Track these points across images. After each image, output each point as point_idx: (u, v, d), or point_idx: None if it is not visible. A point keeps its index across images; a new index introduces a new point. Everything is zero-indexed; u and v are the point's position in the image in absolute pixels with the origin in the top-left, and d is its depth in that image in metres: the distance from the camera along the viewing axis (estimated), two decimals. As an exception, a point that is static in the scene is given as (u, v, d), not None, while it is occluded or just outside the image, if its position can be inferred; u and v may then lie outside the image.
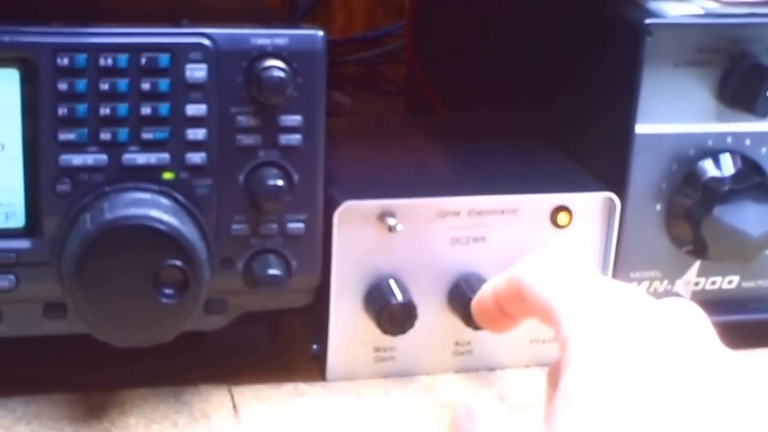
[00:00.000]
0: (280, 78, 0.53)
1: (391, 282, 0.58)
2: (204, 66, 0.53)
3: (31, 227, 0.53)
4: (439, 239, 0.59)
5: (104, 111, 0.52)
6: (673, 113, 0.61)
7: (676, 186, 0.62)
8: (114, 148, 0.53)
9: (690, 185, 0.62)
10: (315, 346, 0.60)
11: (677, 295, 0.64)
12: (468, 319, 0.58)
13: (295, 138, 0.54)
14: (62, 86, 0.51)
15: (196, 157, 0.53)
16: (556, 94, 0.70)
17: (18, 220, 0.53)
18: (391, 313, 0.57)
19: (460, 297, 0.59)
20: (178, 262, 0.51)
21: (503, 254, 0.59)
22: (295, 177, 0.55)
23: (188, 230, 0.52)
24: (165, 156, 0.53)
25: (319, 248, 0.57)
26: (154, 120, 0.53)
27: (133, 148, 0.53)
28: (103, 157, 0.53)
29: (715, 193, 0.61)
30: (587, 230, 0.61)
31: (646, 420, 0.33)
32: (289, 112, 0.54)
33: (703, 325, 0.37)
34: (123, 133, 0.53)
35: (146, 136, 0.53)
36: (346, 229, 0.57)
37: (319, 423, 0.56)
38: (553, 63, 0.71)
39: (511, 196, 0.60)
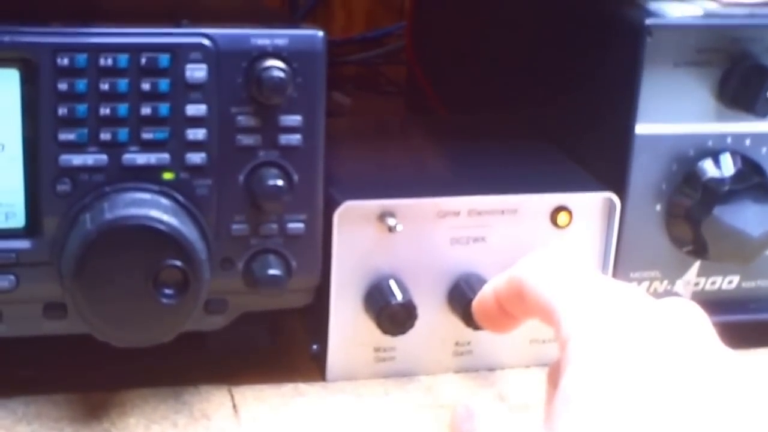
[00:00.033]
0: (280, 78, 0.53)
1: (391, 282, 0.58)
2: (204, 66, 0.53)
3: (31, 227, 0.53)
4: (439, 239, 0.59)
5: (104, 111, 0.52)
6: (673, 113, 0.61)
7: (676, 186, 0.62)
8: (114, 148, 0.53)
9: (690, 185, 0.62)
10: (315, 346, 0.60)
11: (677, 295, 0.64)
12: (468, 320, 0.58)
13: (295, 138, 0.54)
14: (62, 86, 0.51)
15: (196, 157, 0.53)
16: (556, 94, 0.70)
17: (18, 220, 0.53)
18: (391, 313, 0.57)
19: (460, 297, 0.59)
20: (178, 262, 0.51)
21: (503, 254, 0.59)
22: (295, 177, 0.55)
23: (188, 230, 0.52)
24: (165, 156, 0.53)
25: (319, 248, 0.57)
26: (154, 120, 0.53)
27: (133, 148, 0.53)
28: (103, 157, 0.53)
29: (715, 194, 0.61)
30: (587, 230, 0.61)
31: (646, 420, 0.33)
32: (289, 112, 0.54)
33: (703, 324, 0.37)
34: (123, 133, 0.53)
35: (146, 136, 0.53)
36: (346, 229, 0.57)
37: (319, 423, 0.56)
38: (553, 63, 0.71)
39: (511, 197, 0.60)
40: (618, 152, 0.62)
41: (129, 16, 0.57)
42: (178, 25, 0.53)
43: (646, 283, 0.64)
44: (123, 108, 0.52)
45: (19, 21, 0.52)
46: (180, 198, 0.53)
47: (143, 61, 0.52)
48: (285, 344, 0.63)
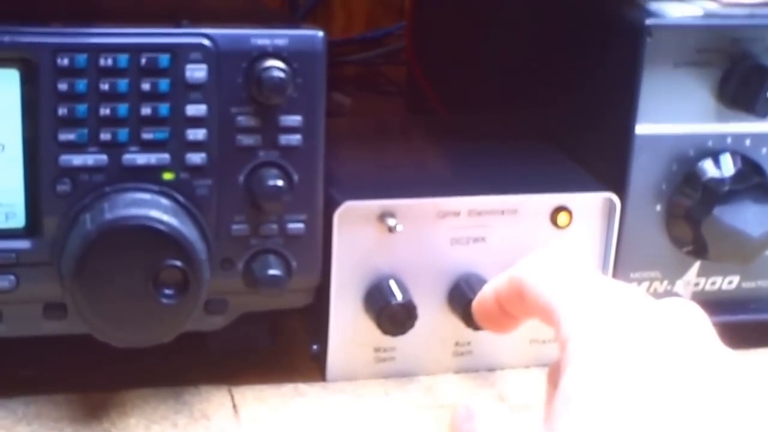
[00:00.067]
0: (280, 78, 0.53)
1: (391, 282, 0.58)
2: (204, 66, 0.53)
3: (31, 227, 0.53)
4: (439, 239, 0.59)
5: (104, 111, 0.52)
6: (673, 114, 0.61)
7: (676, 186, 0.62)
8: (114, 148, 0.53)
9: (690, 185, 0.62)
10: (315, 347, 0.60)
11: (677, 295, 0.64)
12: (468, 320, 0.58)
13: (295, 138, 0.54)
14: (62, 86, 0.51)
15: (196, 158, 0.53)
16: (556, 94, 0.70)
17: (18, 221, 0.53)
18: (391, 313, 0.57)
19: (460, 297, 0.59)
20: (178, 263, 0.51)
21: (503, 254, 0.59)
22: (295, 177, 0.55)
23: (188, 230, 0.52)
24: (165, 156, 0.53)
25: (319, 248, 0.57)
26: (154, 120, 0.53)
27: (133, 149, 0.53)
28: (103, 158, 0.53)
29: (715, 194, 0.61)
30: (587, 230, 0.61)
31: (646, 420, 0.33)
32: (289, 112, 0.54)
33: (703, 325, 0.37)
34: (123, 133, 0.53)
35: (146, 136, 0.53)
36: (346, 230, 0.57)
37: (319, 423, 0.56)
38: (553, 63, 0.71)
39: (511, 197, 0.60)
40: (618, 152, 0.62)
41: (129, 16, 0.58)
42: (178, 25, 0.53)
43: (646, 284, 0.64)
44: (123, 108, 0.52)
45: (19, 21, 0.52)
46: (180, 198, 0.53)
47: (143, 61, 0.52)
48: (285, 344, 0.63)
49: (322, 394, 0.59)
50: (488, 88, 0.81)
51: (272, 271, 0.55)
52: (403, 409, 0.58)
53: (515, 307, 0.43)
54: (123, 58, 0.52)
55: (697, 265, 0.65)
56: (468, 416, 0.42)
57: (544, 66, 0.72)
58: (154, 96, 0.52)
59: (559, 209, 0.60)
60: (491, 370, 0.62)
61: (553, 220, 0.60)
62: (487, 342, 0.61)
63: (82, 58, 0.51)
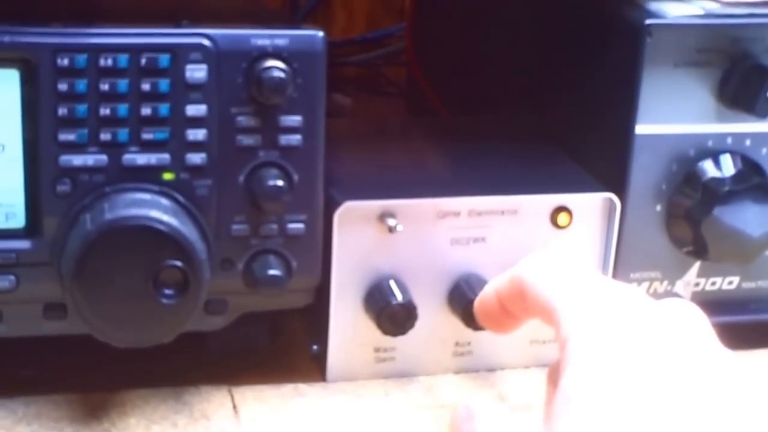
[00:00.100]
0: (281, 78, 0.53)
1: (392, 282, 0.58)
2: (204, 66, 0.53)
3: (31, 227, 0.53)
4: (439, 240, 0.59)
5: (104, 111, 0.52)
6: (673, 114, 0.61)
7: (676, 186, 0.62)
8: (114, 148, 0.53)
9: (690, 186, 0.62)
10: (315, 347, 0.60)
11: (677, 295, 0.64)
12: (468, 320, 0.58)
13: (296, 138, 0.54)
14: (62, 87, 0.51)
15: (196, 158, 0.53)
16: (556, 94, 0.70)
17: (18, 221, 0.53)
18: (391, 313, 0.57)
19: (461, 297, 0.59)
20: (178, 263, 0.51)
21: (503, 255, 0.59)
22: (295, 177, 0.55)
23: (188, 231, 0.52)
24: (165, 156, 0.53)
25: (319, 248, 0.57)
26: (154, 120, 0.53)
27: (133, 149, 0.53)
28: (103, 158, 0.53)
29: (716, 194, 0.61)
30: (587, 231, 0.61)
31: (646, 420, 0.33)
32: (289, 112, 0.54)
33: (702, 325, 0.37)
34: (123, 133, 0.53)
35: (146, 136, 0.53)
36: (347, 230, 0.57)
37: (319, 423, 0.56)
38: (553, 64, 0.71)
39: (511, 197, 0.60)
40: (618, 152, 0.62)
41: (129, 16, 0.57)
42: (178, 25, 0.53)
43: (646, 284, 0.64)
44: (123, 108, 0.52)
45: (19, 21, 0.52)
46: (180, 198, 0.53)
47: (143, 61, 0.52)
48: (285, 344, 0.63)
49: (322, 395, 0.59)
50: (488, 88, 0.81)
51: (272, 272, 0.55)
52: (403, 409, 0.58)
53: (516, 306, 0.43)
54: (123, 59, 0.52)
55: (697, 265, 0.65)
56: (468, 416, 0.42)
57: (544, 66, 0.72)
58: (154, 96, 0.52)
59: (559, 209, 0.60)
60: (491, 370, 0.62)
61: (553, 220, 0.60)
62: (487, 342, 0.61)
63: (82, 59, 0.51)
